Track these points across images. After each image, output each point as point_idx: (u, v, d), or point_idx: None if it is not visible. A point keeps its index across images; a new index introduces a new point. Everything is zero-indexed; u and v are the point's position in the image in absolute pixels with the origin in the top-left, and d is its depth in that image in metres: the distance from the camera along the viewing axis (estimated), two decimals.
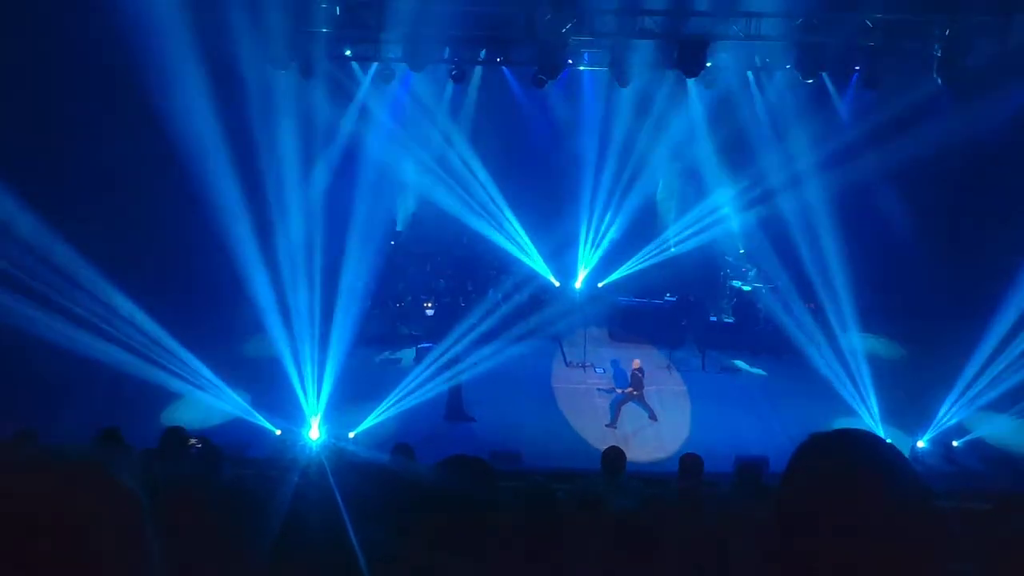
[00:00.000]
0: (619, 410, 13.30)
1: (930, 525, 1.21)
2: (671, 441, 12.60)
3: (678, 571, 3.60)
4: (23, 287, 10.95)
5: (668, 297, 17.66)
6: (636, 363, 13.71)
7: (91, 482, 1.02)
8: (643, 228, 18.83)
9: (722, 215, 18.21)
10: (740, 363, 16.00)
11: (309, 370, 12.76)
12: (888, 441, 1.37)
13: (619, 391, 13.56)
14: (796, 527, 1.26)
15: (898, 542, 1.19)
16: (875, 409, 12.75)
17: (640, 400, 13.47)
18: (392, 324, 17.01)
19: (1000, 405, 12.34)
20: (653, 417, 13.33)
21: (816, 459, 1.33)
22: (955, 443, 12.25)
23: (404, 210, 20.08)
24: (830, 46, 12.99)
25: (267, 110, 14.15)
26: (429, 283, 18.33)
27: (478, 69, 17.21)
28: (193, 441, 6.58)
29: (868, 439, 1.35)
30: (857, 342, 14.26)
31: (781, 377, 15.24)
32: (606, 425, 13.15)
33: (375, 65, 15.54)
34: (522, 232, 18.37)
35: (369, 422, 12.29)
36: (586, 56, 15.73)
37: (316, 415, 12.22)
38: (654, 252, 18.43)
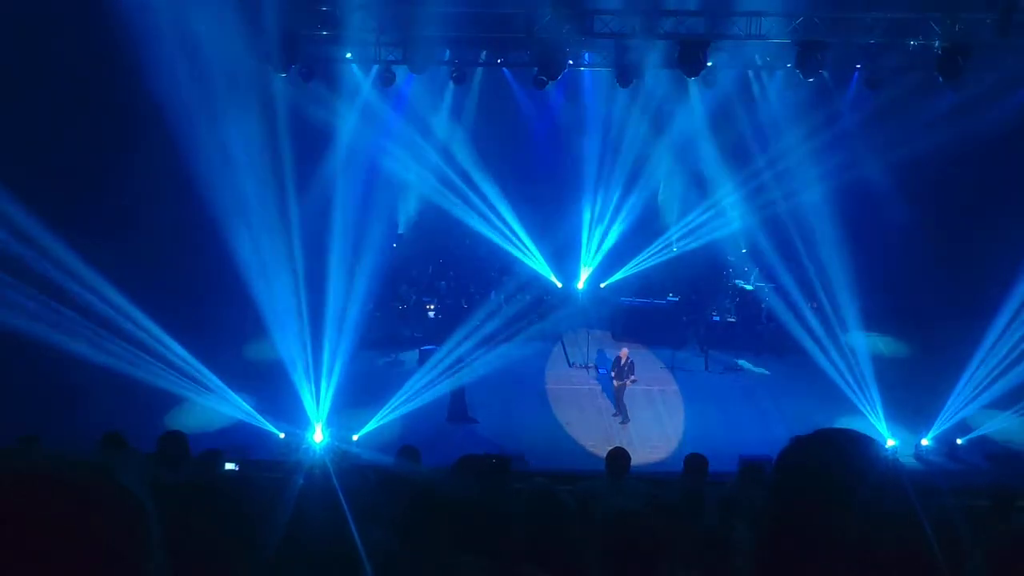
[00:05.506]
0: (620, 400, 13.26)
1: (908, 527, 1.16)
2: (675, 441, 12.59)
3: (682, 571, 3.60)
4: (26, 291, 10.97)
5: (670, 297, 17.64)
6: (624, 352, 13.50)
7: (95, 486, 1.02)
8: (645, 228, 18.83)
9: (724, 215, 18.20)
10: (743, 362, 15.97)
11: (312, 373, 12.75)
12: (869, 437, 1.29)
13: (605, 373, 13.28)
14: (781, 537, 1.22)
15: (873, 549, 1.15)
16: (879, 407, 12.72)
17: (619, 393, 13.27)
18: (395, 326, 17.00)
19: (1004, 402, 12.32)
20: (624, 419, 13.13)
21: (793, 465, 1.28)
22: (959, 441, 12.22)
23: (406, 212, 20.10)
24: (831, 45, 12.98)
25: (268, 113, 14.16)
26: (431, 285, 18.34)
27: (479, 70, 17.22)
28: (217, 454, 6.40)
29: (845, 439, 1.28)
30: (860, 340, 14.23)
31: (784, 376, 15.21)
32: (613, 415, 13.20)
33: (376, 67, 15.54)
34: (524, 233, 18.36)
35: (372, 425, 12.29)
36: (586, 56, 15.72)
37: (320, 418, 12.21)
38: (656, 252, 18.42)
